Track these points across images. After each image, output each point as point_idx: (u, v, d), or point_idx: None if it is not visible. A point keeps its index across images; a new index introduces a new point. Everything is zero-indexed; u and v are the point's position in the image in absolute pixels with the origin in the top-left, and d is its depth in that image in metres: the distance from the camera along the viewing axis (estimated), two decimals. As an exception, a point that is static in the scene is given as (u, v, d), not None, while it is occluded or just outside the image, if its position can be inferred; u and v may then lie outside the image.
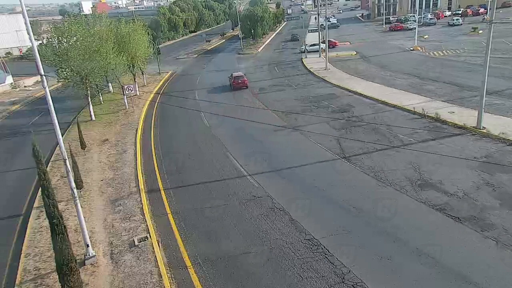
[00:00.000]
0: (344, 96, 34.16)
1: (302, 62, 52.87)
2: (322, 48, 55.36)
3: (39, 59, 12.81)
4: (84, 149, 25.30)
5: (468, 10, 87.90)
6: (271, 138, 25.38)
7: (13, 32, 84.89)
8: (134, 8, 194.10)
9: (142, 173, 21.77)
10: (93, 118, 32.99)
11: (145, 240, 15.19)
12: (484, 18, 71.23)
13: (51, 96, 13.23)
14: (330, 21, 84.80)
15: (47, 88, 12.99)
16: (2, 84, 50.98)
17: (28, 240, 16.01)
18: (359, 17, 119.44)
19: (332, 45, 59.83)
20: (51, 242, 11.66)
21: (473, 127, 22.99)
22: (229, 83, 41.97)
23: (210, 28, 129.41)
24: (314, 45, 59.25)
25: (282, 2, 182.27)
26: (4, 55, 78.26)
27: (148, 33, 43.03)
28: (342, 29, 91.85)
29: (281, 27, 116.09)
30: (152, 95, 41.60)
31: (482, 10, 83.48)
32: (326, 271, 12.63)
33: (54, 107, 13.11)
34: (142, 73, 46.48)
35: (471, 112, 24.93)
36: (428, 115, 26.01)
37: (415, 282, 11.88)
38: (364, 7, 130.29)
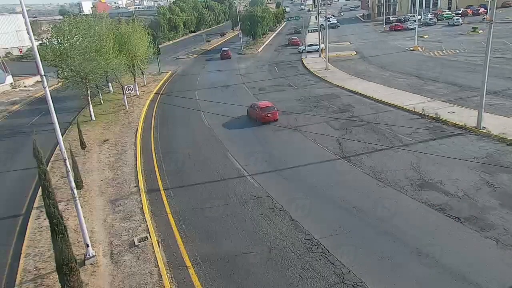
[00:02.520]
0: (344, 96, 34.16)
1: (302, 62, 52.88)
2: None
3: (39, 59, 12.82)
4: (84, 149, 25.30)
5: (468, 10, 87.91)
6: (271, 138, 25.40)
7: (13, 32, 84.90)
8: (134, 8, 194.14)
9: (142, 173, 21.77)
10: (93, 118, 32.98)
11: (145, 240, 15.19)
12: (484, 18, 71.23)
13: (51, 96, 13.23)
14: (330, 21, 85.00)
15: (47, 88, 12.99)
16: (2, 84, 50.95)
17: (28, 240, 16.01)
18: (359, 17, 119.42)
19: (296, 43, 70.30)
20: (51, 242, 11.66)
21: (473, 127, 22.99)
22: (219, 55, 65.46)
23: (210, 28, 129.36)
24: (312, 45, 59.34)
25: (282, 2, 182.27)
26: (4, 55, 78.21)
27: (148, 33, 43.01)
28: (342, 29, 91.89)
29: (281, 27, 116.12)
30: (152, 95, 41.58)
31: (482, 10, 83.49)
32: (326, 271, 12.63)
33: (54, 107, 13.10)
34: (142, 73, 46.48)
35: (471, 112, 24.92)
36: (428, 115, 26.01)
37: (415, 282, 11.87)
38: (364, 7, 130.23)
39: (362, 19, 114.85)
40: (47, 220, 11.45)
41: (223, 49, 66.76)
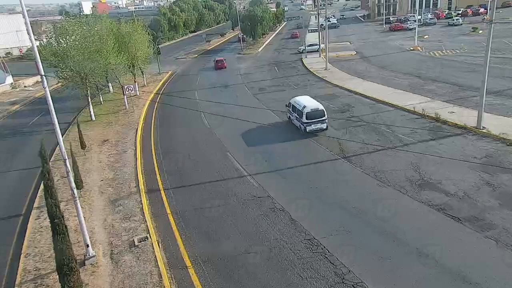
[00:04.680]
0: (344, 96, 34.16)
1: (302, 62, 52.87)
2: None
3: (39, 59, 12.81)
4: (84, 149, 25.29)
5: (468, 10, 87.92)
6: (271, 138, 25.38)
7: (13, 32, 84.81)
8: (134, 8, 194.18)
9: (142, 173, 21.77)
10: (93, 118, 32.98)
11: (145, 240, 15.20)
12: (484, 18, 71.22)
13: (51, 96, 13.23)
14: (330, 21, 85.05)
15: (47, 88, 12.99)
16: (2, 84, 50.91)
17: (28, 240, 16.01)
18: (360, 17, 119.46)
19: (296, 36, 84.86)
20: (52, 242, 11.65)
21: (473, 127, 22.99)
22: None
23: (210, 28, 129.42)
24: (312, 45, 59.34)
25: (282, 2, 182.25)
26: (4, 55, 78.18)
27: (148, 33, 42.98)
28: (342, 29, 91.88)
29: (281, 27, 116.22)
30: (152, 95, 41.59)
31: (482, 10, 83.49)
32: (326, 271, 12.64)
33: (54, 107, 13.11)
34: (142, 73, 46.48)
35: (471, 112, 24.92)
36: (428, 115, 26.01)
37: (415, 282, 11.88)
38: (364, 7, 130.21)
39: (362, 19, 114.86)
40: (48, 220, 11.45)
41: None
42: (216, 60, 56.42)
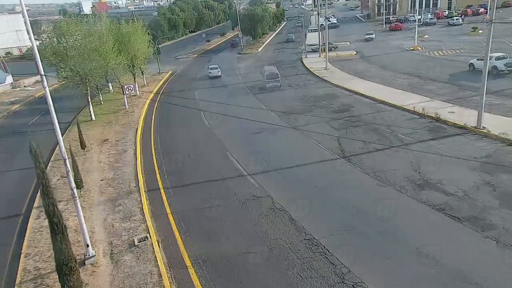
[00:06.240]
0: (344, 96, 34.16)
1: (302, 62, 52.87)
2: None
3: (39, 59, 12.81)
4: (84, 149, 25.29)
5: (468, 9, 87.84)
6: (271, 138, 25.40)
7: (13, 32, 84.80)
8: (134, 8, 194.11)
9: (142, 173, 21.77)
10: (93, 118, 32.99)
11: (145, 240, 15.19)
12: (484, 18, 71.16)
13: (51, 96, 13.23)
14: (330, 21, 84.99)
15: (47, 88, 12.99)
16: (2, 84, 50.95)
17: (28, 240, 16.01)
18: (360, 17, 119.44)
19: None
20: (51, 241, 11.64)
21: (473, 127, 22.99)
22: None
23: (210, 28, 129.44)
24: (312, 45, 59.31)
25: (282, 2, 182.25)
26: (4, 55, 78.17)
27: (148, 33, 43.00)
28: (342, 29, 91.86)
29: (281, 27, 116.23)
30: (152, 95, 41.62)
31: (482, 10, 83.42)
32: (326, 271, 12.63)
33: (54, 107, 13.10)
34: (142, 73, 46.47)
35: (471, 112, 24.91)
36: (428, 115, 26.01)
37: (415, 282, 11.87)
38: (364, 7, 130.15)
39: (362, 19, 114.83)
40: (47, 219, 11.43)
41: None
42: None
